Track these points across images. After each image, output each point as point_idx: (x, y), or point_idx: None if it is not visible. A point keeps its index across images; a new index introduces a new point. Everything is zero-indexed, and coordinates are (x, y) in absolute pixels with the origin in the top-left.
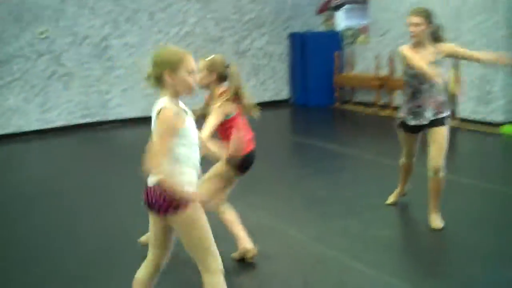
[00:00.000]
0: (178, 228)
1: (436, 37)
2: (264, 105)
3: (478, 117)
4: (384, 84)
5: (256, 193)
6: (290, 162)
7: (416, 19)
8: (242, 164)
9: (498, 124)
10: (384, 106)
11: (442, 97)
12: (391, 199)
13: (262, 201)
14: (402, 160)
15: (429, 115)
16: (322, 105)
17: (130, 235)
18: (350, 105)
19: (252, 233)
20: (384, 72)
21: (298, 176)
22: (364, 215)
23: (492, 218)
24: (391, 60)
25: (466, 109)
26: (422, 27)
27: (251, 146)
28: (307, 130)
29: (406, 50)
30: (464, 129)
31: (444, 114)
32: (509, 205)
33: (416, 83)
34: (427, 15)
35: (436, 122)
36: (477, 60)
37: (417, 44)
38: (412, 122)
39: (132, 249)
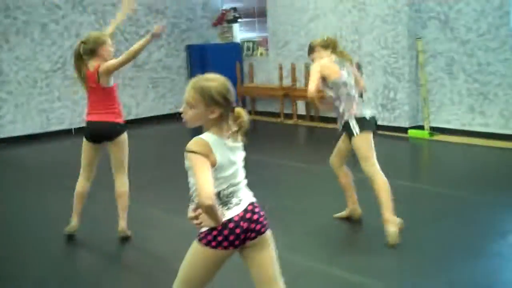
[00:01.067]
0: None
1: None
2: (165, 118)
3: (384, 123)
4: (288, 94)
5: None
6: None
7: None
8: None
9: (404, 129)
10: (288, 115)
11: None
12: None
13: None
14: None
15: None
16: None
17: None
18: (252, 115)
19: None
20: (287, 82)
21: None
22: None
23: (410, 212)
24: (293, 71)
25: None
26: None
27: (94, 117)
28: None
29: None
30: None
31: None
32: (421, 198)
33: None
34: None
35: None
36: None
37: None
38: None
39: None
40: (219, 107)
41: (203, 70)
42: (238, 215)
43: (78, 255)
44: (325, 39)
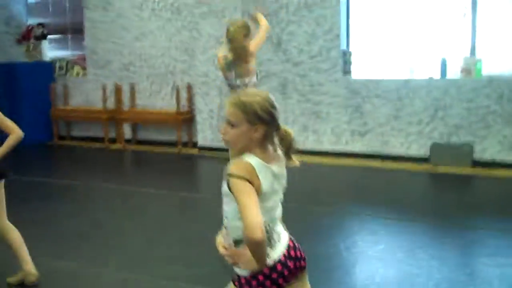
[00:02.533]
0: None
1: None
2: None
3: (222, 145)
4: (114, 117)
5: None
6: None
7: None
8: None
9: None
10: (113, 140)
11: None
12: None
13: None
14: None
15: None
16: (39, 141)
17: None
18: (69, 140)
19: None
20: (110, 104)
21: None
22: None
23: None
24: (117, 92)
25: (207, 137)
26: None
27: None
28: (27, 168)
29: None
30: (207, 156)
31: None
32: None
33: None
34: None
35: None
36: None
37: None
38: None
39: None
40: (264, 125)
41: (11, 92)
42: (283, 254)
43: None
44: None
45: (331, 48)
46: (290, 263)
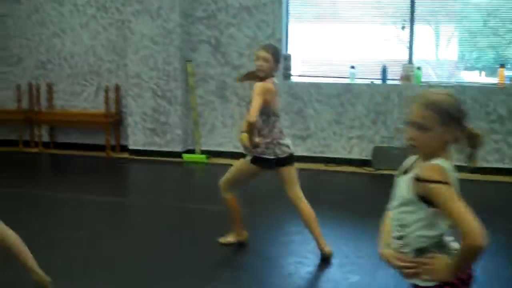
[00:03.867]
0: None
1: None
2: None
3: (155, 148)
4: (30, 118)
5: None
6: None
7: (264, 54)
8: None
9: (178, 153)
10: (28, 143)
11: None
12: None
13: None
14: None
15: None
16: None
17: None
18: None
19: None
20: (26, 105)
21: None
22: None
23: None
24: (32, 91)
25: (139, 140)
26: (270, 64)
27: None
28: None
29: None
30: (138, 160)
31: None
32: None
33: None
34: (275, 52)
35: None
36: None
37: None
38: None
39: None
40: (457, 126)
41: None
42: None
43: None
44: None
45: None
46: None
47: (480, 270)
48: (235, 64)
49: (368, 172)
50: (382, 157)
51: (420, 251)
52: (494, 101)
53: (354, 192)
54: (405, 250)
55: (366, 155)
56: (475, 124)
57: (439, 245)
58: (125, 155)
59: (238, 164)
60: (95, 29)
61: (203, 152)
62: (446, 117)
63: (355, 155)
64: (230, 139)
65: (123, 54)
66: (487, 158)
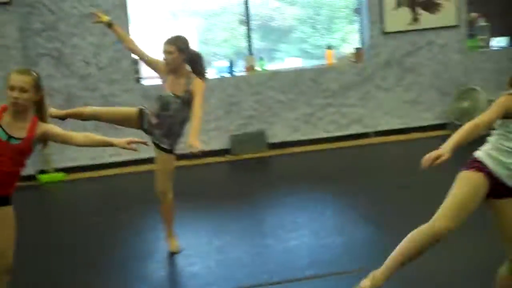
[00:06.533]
0: None
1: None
2: None
3: None
4: None
5: None
6: None
7: (166, 47)
8: None
9: (31, 177)
10: None
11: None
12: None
13: None
14: None
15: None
16: None
17: None
18: None
19: None
20: None
21: None
22: None
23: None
24: None
25: None
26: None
27: None
28: None
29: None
30: None
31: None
32: None
33: None
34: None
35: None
36: None
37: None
38: None
39: None
40: None
41: None
42: None
43: None
44: None
45: (121, 58)
46: None
47: None
48: (81, 73)
49: (228, 160)
50: (239, 143)
51: None
52: (327, 79)
53: (215, 181)
54: None
55: (225, 144)
56: (314, 101)
57: None
58: None
59: (160, 163)
60: None
61: (57, 170)
62: None
63: (214, 146)
64: (84, 151)
65: None
66: (327, 128)
